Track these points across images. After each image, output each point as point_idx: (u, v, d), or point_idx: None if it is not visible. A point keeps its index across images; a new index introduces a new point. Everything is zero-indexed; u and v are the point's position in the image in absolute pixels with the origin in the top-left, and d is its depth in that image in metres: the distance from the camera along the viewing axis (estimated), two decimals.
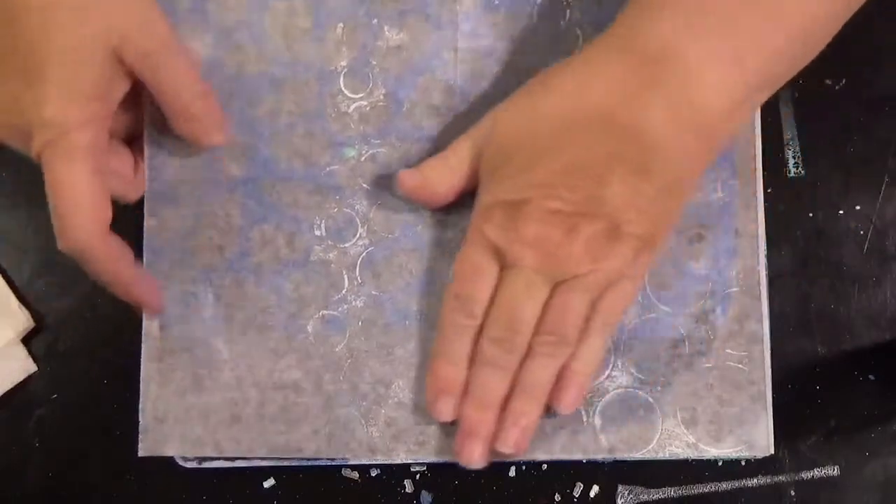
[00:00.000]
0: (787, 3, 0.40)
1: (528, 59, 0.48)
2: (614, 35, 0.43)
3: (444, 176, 0.45)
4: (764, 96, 0.43)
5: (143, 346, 0.47)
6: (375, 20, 0.48)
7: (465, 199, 0.47)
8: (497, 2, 0.48)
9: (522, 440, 0.44)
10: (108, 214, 0.42)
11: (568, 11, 0.48)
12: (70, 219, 0.41)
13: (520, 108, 0.44)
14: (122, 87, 0.42)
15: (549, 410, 0.45)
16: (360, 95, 0.48)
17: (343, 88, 0.48)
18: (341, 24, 0.48)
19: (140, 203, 0.48)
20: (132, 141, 0.47)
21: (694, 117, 0.41)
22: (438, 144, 0.48)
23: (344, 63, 0.48)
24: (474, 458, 0.44)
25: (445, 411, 0.45)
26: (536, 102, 0.43)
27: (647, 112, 0.41)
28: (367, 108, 0.48)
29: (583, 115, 0.42)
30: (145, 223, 0.48)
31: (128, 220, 0.48)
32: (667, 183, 0.42)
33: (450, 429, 0.47)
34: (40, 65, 0.40)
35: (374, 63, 0.48)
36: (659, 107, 0.41)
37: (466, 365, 0.44)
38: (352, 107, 0.48)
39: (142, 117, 0.46)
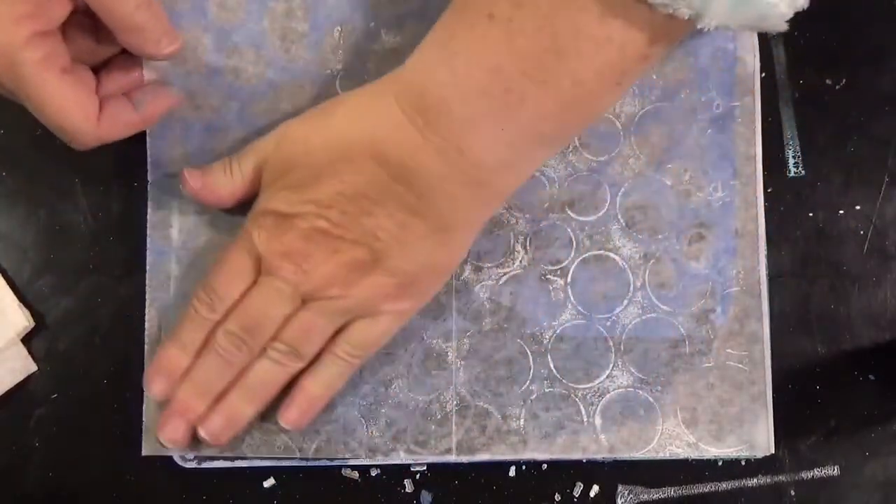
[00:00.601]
0: (558, 72, 0.40)
1: None
2: (400, 76, 0.43)
3: (225, 180, 0.46)
4: (548, 152, 0.44)
5: (145, 347, 0.47)
6: (373, 23, 0.48)
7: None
8: None
9: (224, 431, 0.45)
10: (95, 105, 0.43)
11: None
12: (65, 132, 0.42)
13: (308, 125, 0.44)
14: (61, 7, 0.41)
15: (265, 419, 0.46)
16: None
17: (339, 90, 0.48)
18: (338, 28, 0.48)
19: (142, 203, 0.48)
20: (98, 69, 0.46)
21: (465, 170, 0.42)
22: None
23: (340, 66, 0.48)
24: (175, 436, 0.45)
25: (159, 390, 0.45)
26: (324, 122, 0.44)
27: (418, 157, 0.42)
28: None
29: (361, 146, 0.42)
30: (148, 218, 0.48)
31: (129, 221, 0.48)
32: (437, 228, 0.43)
33: (450, 430, 0.47)
34: None
35: (371, 66, 0.48)
36: (429, 155, 0.42)
37: (194, 353, 0.45)
38: None
39: (102, 41, 0.45)
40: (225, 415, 0.45)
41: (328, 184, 0.43)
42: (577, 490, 0.48)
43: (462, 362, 0.47)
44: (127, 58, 0.46)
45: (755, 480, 0.48)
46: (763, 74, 0.49)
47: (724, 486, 0.48)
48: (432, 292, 0.46)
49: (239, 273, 0.44)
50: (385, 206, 0.42)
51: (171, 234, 0.48)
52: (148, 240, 0.48)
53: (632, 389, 0.47)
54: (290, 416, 0.45)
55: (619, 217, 0.48)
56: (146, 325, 0.47)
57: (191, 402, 0.45)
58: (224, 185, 0.46)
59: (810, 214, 0.49)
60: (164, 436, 0.45)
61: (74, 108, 0.42)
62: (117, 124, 0.44)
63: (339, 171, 0.43)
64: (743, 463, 0.48)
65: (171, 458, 0.47)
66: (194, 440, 0.45)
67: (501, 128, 0.41)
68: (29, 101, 0.41)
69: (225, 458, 0.47)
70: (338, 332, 0.45)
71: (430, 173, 0.42)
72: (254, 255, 0.44)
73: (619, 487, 0.48)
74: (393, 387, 0.47)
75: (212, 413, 0.45)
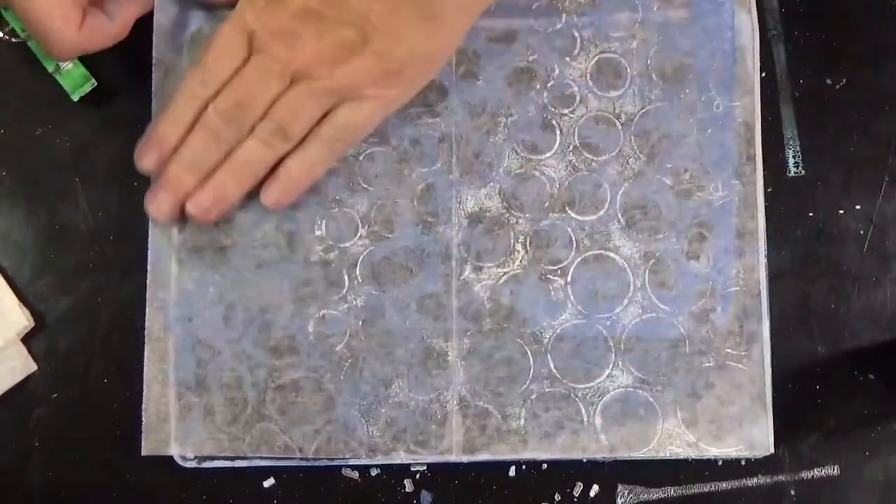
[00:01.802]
0: None
1: (524, 61, 0.48)
2: None
3: None
4: None
5: (145, 346, 0.47)
6: None
7: (460, 194, 0.47)
8: (493, 4, 0.48)
9: (212, 207, 0.45)
10: (78, 12, 0.44)
11: (564, 14, 0.48)
12: (47, 36, 0.43)
13: None
14: None
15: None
16: None
17: None
18: None
19: (142, 203, 0.48)
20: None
21: None
22: (437, 144, 0.48)
23: None
24: (162, 209, 0.46)
25: (150, 163, 0.46)
26: None
27: None
28: None
29: None
30: (150, 221, 0.48)
31: (129, 221, 0.48)
32: (427, 14, 0.43)
33: (450, 430, 0.47)
34: None
35: None
36: None
37: (185, 129, 0.45)
38: None
39: None
40: (212, 192, 0.45)
41: None
42: (577, 490, 0.48)
43: (462, 362, 0.47)
44: None
45: (755, 480, 0.48)
46: (763, 74, 0.49)
47: (724, 485, 0.48)
48: (421, 83, 0.46)
49: (230, 50, 0.45)
50: None
51: (171, 234, 0.48)
52: (148, 240, 0.48)
53: (632, 389, 0.47)
54: (271, 194, 0.46)
55: (619, 217, 0.48)
56: (146, 325, 0.48)
57: (180, 177, 0.45)
58: None
59: (810, 214, 0.49)
60: (152, 209, 0.46)
61: (58, 13, 0.43)
62: (97, 34, 0.45)
63: None
64: (743, 463, 0.48)
65: (171, 458, 0.47)
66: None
67: None
68: (16, 3, 0.42)
69: (225, 458, 0.47)
70: (324, 116, 0.45)
71: None
72: (246, 33, 0.44)
73: (619, 487, 0.48)
74: (393, 386, 0.47)
75: (199, 190, 0.45)
